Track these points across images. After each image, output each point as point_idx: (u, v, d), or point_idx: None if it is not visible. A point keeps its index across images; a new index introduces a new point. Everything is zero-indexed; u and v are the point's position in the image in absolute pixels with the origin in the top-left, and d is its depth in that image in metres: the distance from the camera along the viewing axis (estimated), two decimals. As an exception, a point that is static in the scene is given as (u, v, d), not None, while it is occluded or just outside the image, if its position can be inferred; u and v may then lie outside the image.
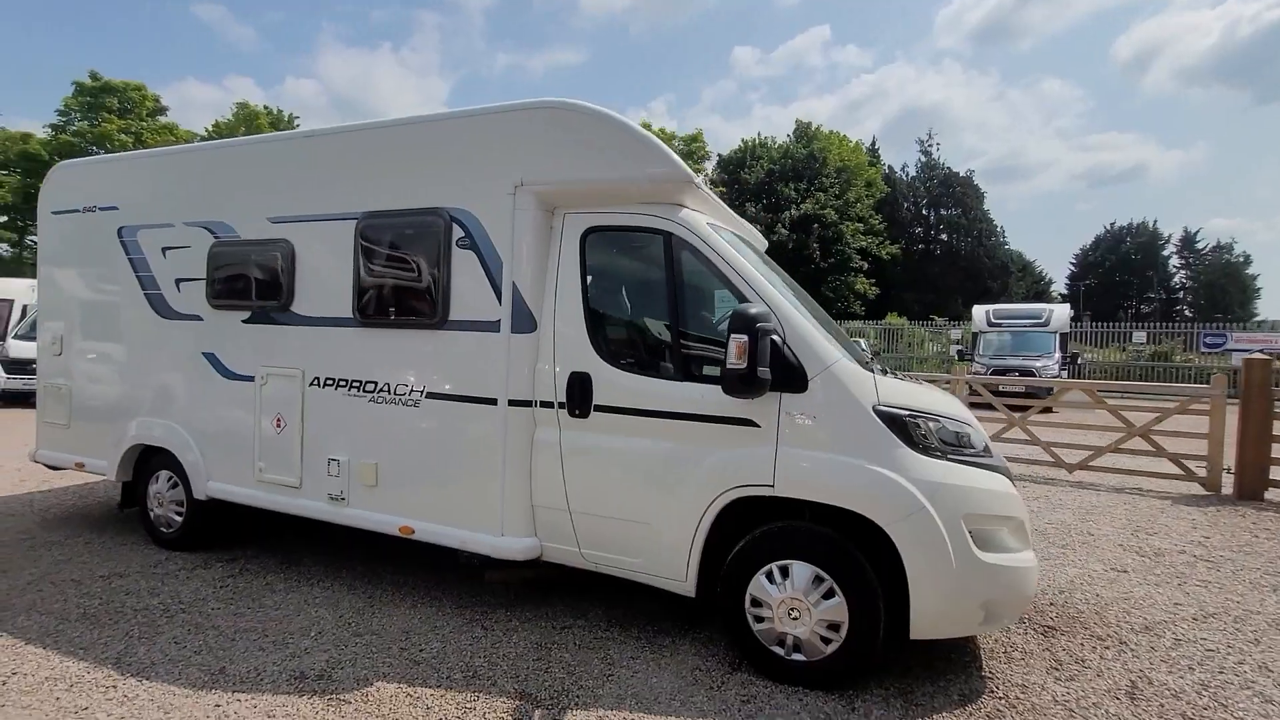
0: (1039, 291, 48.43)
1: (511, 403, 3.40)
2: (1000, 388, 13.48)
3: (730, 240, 3.39)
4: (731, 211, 4.20)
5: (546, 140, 3.36)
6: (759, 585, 2.96)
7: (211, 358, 4.35)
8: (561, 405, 3.34)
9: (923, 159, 46.93)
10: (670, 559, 3.15)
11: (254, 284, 4.19)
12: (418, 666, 3.07)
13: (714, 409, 3.02)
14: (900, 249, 42.32)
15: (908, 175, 47.30)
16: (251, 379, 4.19)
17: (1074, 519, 5.89)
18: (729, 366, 2.73)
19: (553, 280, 3.42)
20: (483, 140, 3.53)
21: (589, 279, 3.38)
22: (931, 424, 2.91)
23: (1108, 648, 3.36)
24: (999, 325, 17.53)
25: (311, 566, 4.33)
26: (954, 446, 2.93)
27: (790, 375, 2.91)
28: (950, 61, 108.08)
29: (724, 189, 40.26)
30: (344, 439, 3.88)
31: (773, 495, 2.93)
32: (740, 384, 2.76)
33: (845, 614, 2.82)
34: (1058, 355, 16.18)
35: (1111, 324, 23.94)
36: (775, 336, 2.91)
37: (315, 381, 3.97)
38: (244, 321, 4.23)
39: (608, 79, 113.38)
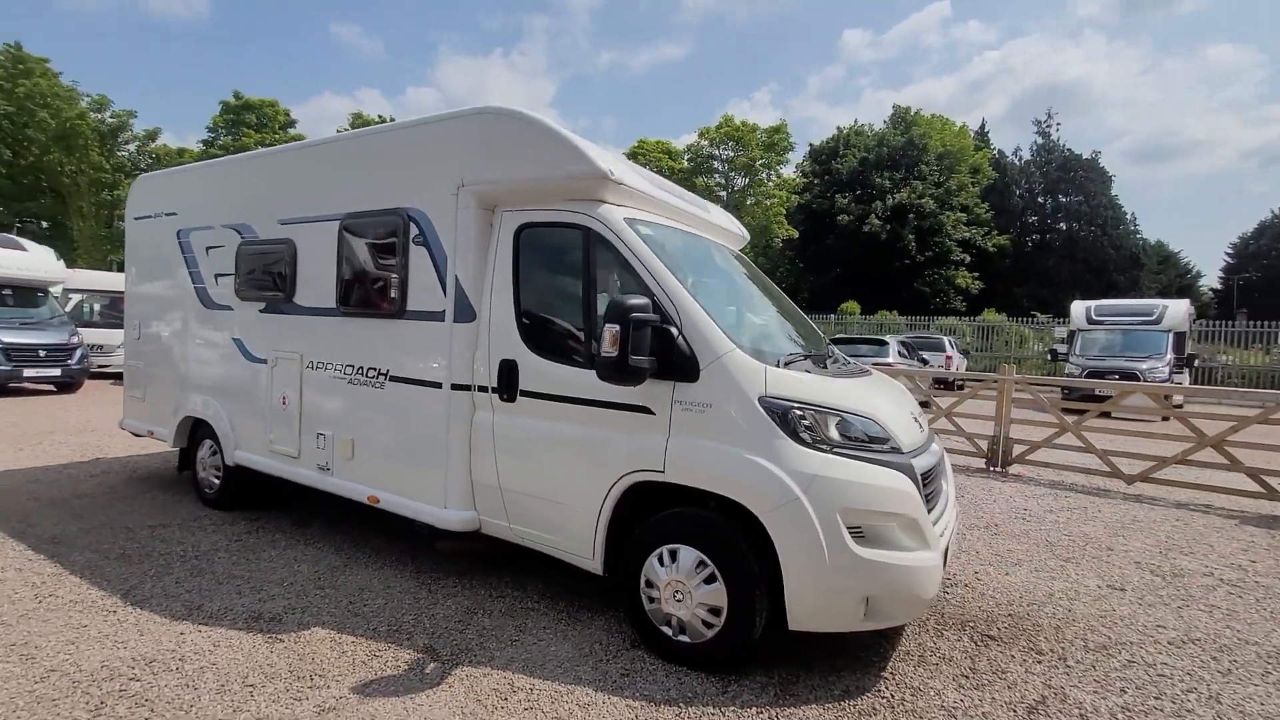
0: (1183, 286, 43.14)
1: (454, 387, 3.70)
2: (1096, 390, 12.34)
3: (656, 234, 3.49)
4: (692, 201, 4.28)
5: (481, 143, 3.61)
6: (651, 567, 3.08)
7: (239, 343, 5.00)
8: (494, 390, 3.60)
9: (1039, 141, 42.99)
10: (581, 537, 3.32)
11: (268, 278, 4.78)
12: (355, 618, 3.45)
13: (617, 396, 3.15)
14: (1010, 240, 39.12)
15: (1020, 160, 43.54)
16: (265, 361, 4.79)
17: (1102, 532, 5.40)
18: (602, 354, 2.86)
19: (490, 273, 3.67)
20: (431, 145, 3.85)
21: (520, 272, 3.60)
22: (827, 417, 2.89)
23: (1039, 662, 3.15)
24: (1101, 322, 15.88)
25: (316, 529, 4.87)
26: (848, 440, 2.88)
27: (684, 365, 3.00)
28: (1092, 32, 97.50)
29: (814, 179, 39.02)
30: (329, 415, 4.36)
31: (665, 481, 3.03)
32: (613, 371, 2.88)
33: (725, 599, 2.88)
34: (1169, 357, 14.44)
35: (1267, 323, 19.84)
36: (672, 328, 3.00)
37: (310, 365, 4.48)
38: (260, 311, 4.84)
39: (710, 71, 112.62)
